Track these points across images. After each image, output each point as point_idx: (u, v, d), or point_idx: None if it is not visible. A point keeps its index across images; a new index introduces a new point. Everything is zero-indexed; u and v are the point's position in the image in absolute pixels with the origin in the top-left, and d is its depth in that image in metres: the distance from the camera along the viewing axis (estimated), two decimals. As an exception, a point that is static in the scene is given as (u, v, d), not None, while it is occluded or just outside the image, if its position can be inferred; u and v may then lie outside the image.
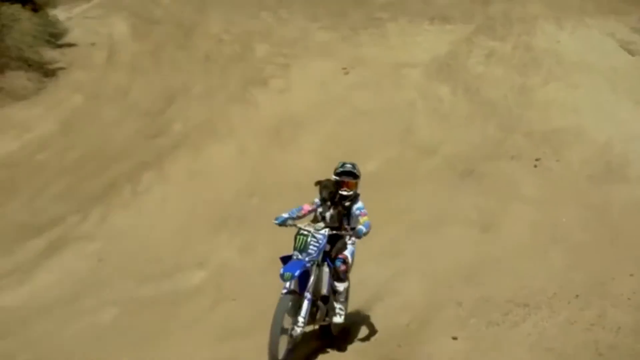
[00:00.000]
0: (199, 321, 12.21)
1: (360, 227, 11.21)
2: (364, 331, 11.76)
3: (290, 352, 10.72)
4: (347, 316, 11.71)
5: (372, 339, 11.27)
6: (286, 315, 10.56)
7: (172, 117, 20.51)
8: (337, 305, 11.58)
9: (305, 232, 11.13)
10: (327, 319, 11.53)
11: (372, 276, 12.67)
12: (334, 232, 11.42)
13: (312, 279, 10.98)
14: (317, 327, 11.78)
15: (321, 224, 11.46)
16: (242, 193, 15.92)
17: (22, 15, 24.39)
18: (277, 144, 17.68)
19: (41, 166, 18.76)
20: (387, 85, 19.01)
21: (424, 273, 12.48)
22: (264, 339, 10.39)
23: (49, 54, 24.50)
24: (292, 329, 10.68)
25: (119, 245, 14.91)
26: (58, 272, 14.06)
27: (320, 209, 11.76)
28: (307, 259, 10.93)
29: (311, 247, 11.04)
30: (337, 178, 11.77)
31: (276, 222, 11.37)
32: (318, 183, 11.80)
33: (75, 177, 17.77)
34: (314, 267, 11.07)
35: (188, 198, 16.20)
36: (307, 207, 11.63)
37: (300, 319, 10.74)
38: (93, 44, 25.57)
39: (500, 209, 14.63)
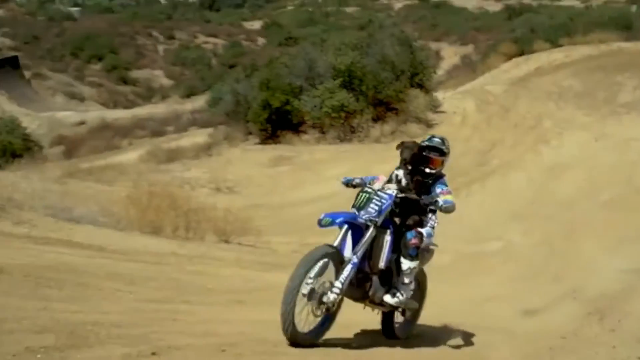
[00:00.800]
0: (495, 270, 11.82)
1: (439, 199, 6.26)
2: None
3: (321, 327, 5.80)
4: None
5: (593, 296, 9.67)
6: (322, 279, 5.69)
7: (492, 156, 19.96)
8: (399, 287, 6.29)
9: (370, 190, 6.12)
10: (385, 300, 6.26)
11: (606, 264, 11.09)
12: (405, 195, 6.24)
13: (363, 240, 5.89)
14: (379, 317, 6.74)
15: (393, 186, 6.37)
16: (528, 202, 15.29)
17: (419, 94, 24.99)
18: (551, 177, 16.76)
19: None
20: (620, 149, 17.56)
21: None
22: (537, 286, 9.64)
23: (430, 116, 24.92)
24: (324, 293, 5.66)
25: (456, 221, 14.72)
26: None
27: (397, 172, 6.64)
28: (364, 216, 5.96)
29: (372, 205, 5.99)
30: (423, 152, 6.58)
31: (342, 181, 6.53)
32: (401, 145, 6.77)
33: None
34: (371, 229, 5.96)
35: (496, 202, 15.80)
36: (382, 177, 6.49)
37: (338, 284, 5.72)
38: (454, 113, 25.62)
39: None
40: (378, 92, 24.08)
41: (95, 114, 49.15)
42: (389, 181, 6.48)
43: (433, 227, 6.52)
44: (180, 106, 47.64)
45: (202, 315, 4.59)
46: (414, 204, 6.29)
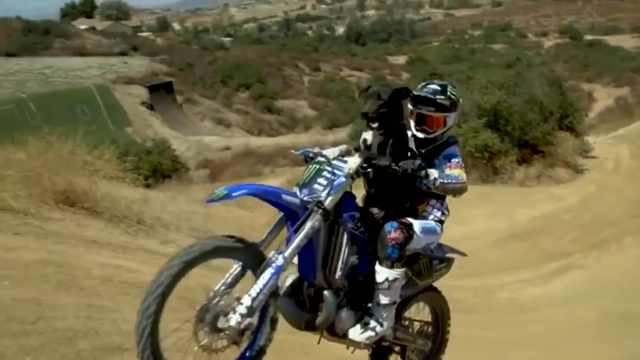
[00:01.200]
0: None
1: (436, 170, 3.83)
2: None
3: None
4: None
5: None
6: (230, 294, 3.41)
7: (649, 207, 18.68)
8: (374, 312, 3.81)
9: (321, 160, 3.69)
10: (350, 336, 3.84)
11: None
12: (373, 162, 3.67)
13: (301, 231, 3.47)
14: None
15: (376, 135, 3.89)
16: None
17: (569, 138, 24.03)
18: None
19: (565, 222, 18.05)
20: None
21: None
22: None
23: (580, 161, 23.83)
24: (223, 313, 3.29)
25: (603, 276, 13.82)
26: (564, 283, 13.34)
27: (365, 136, 3.93)
28: (305, 197, 3.53)
29: (320, 179, 3.59)
30: (411, 108, 4.09)
31: (299, 154, 3.87)
32: (365, 90, 3.90)
33: (584, 231, 16.84)
34: (315, 216, 3.48)
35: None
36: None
37: (246, 299, 3.29)
38: (606, 158, 24.48)
39: None
40: (524, 133, 23.38)
41: (240, 140, 51.44)
42: (357, 149, 4.04)
43: (441, 222, 4.07)
44: (323, 137, 48.77)
45: (334, 351, 4.51)
46: (398, 182, 3.82)
